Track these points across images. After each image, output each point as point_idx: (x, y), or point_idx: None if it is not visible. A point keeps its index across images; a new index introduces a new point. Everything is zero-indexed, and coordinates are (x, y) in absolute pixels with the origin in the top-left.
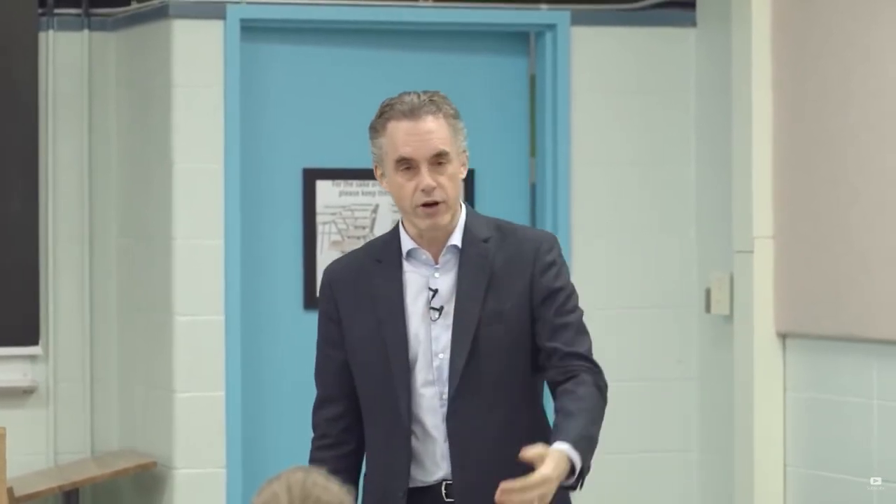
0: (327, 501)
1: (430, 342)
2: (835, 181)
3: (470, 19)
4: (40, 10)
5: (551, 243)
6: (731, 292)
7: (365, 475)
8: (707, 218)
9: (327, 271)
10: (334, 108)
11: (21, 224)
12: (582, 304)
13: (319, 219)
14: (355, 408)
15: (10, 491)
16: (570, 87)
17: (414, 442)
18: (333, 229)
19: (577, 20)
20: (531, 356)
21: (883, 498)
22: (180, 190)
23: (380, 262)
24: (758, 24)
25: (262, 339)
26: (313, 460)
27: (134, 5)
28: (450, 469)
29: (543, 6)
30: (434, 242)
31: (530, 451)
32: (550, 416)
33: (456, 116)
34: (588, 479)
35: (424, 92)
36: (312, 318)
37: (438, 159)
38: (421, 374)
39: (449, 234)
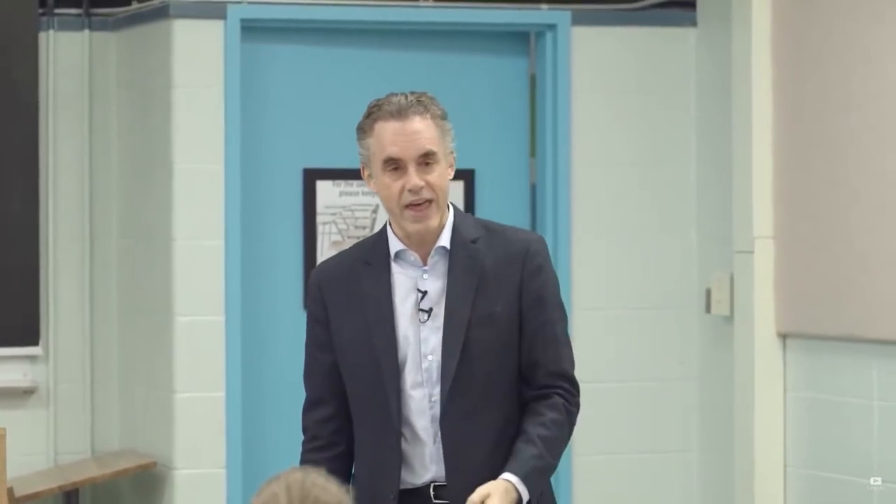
0: (326, 501)
1: (420, 344)
2: (835, 182)
3: (470, 19)
4: (40, 10)
5: (539, 245)
6: (732, 292)
7: (354, 477)
8: (707, 218)
9: (316, 272)
10: (334, 108)
11: (21, 224)
12: (582, 304)
13: (320, 219)
14: (345, 409)
15: (10, 491)
16: (571, 87)
17: (403, 444)
18: (334, 229)
19: (578, 20)
20: (519, 358)
21: (883, 498)
22: (181, 190)
23: (369, 263)
24: (758, 25)
25: (263, 340)
26: (304, 462)
27: (134, 5)
28: (439, 471)
29: (544, 6)
30: (422, 244)
31: (474, 497)
32: None
33: (444, 117)
34: (588, 478)
35: (412, 92)
36: None
37: (426, 159)
38: (410, 376)
39: (437, 235)
